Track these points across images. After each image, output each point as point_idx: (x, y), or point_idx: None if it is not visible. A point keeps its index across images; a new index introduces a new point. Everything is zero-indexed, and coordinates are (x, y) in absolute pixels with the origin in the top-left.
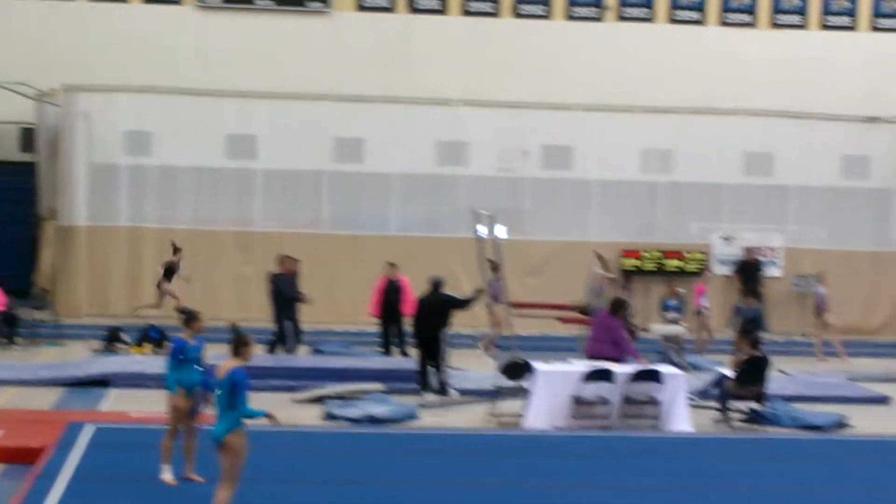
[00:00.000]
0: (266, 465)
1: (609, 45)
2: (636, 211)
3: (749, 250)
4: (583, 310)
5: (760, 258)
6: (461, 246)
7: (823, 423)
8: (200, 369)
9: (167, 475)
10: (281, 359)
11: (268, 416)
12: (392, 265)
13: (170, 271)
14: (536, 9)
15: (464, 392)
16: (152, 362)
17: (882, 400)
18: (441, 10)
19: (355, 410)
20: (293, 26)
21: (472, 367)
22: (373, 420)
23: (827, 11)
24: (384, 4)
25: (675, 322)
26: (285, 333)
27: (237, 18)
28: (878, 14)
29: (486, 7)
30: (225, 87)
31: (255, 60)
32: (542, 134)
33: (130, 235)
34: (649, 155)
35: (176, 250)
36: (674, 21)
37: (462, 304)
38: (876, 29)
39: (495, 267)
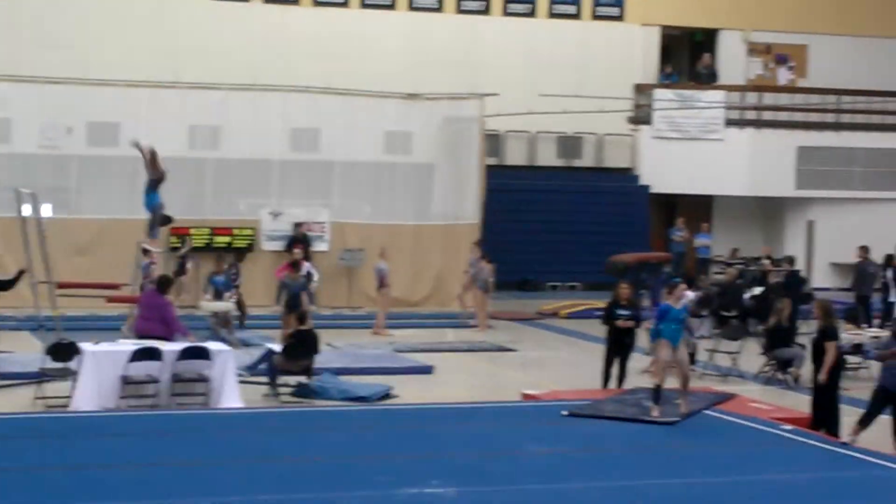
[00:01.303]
0: None
1: (154, 22)
2: (184, 187)
3: (300, 224)
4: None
5: (309, 233)
6: (5, 226)
7: (370, 395)
8: None
9: None
10: None
11: None
12: None
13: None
14: None
15: (8, 375)
16: None
17: (426, 370)
18: None
19: None
20: None
21: (18, 350)
22: None
23: None
24: None
25: (223, 299)
26: None
27: None
28: None
29: None
30: None
31: None
32: (87, 110)
33: None
34: (197, 131)
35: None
36: None
37: (4, 285)
38: (413, 8)
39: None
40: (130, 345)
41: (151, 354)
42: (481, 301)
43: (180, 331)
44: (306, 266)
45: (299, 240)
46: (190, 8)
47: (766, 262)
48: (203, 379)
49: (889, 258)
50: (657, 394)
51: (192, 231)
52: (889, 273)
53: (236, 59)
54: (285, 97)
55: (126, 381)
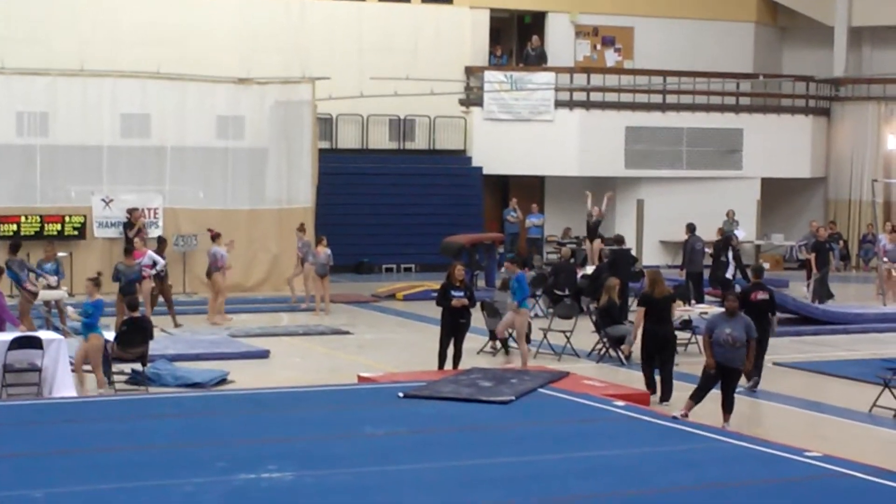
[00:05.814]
0: None
1: None
2: (13, 175)
3: (132, 211)
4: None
5: (142, 219)
6: None
7: (205, 380)
8: None
9: None
10: None
11: None
12: None
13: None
14: None
15: None
16: None
17: (262, 354)
18: None
19: None
20: None
21: None
22: None
23: None
24: None
25: (54, 286)
26: None
27: None
28: None
29: None
30: None
31: None
32: None
33: None
34: (25, 117)
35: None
36: None
37: None
38: None
39: None
40: None
41: None
42: (321, 286)
43: (10, 320)
44: (150, 254)
45: (127, 227)
46: None
47: (598, 240)
48: (35, 368)
49: (727, 239)
50: None
51: (23, 218)
52: (729, 253)
53: (63, 44)
54: (114, 82)
55: None
